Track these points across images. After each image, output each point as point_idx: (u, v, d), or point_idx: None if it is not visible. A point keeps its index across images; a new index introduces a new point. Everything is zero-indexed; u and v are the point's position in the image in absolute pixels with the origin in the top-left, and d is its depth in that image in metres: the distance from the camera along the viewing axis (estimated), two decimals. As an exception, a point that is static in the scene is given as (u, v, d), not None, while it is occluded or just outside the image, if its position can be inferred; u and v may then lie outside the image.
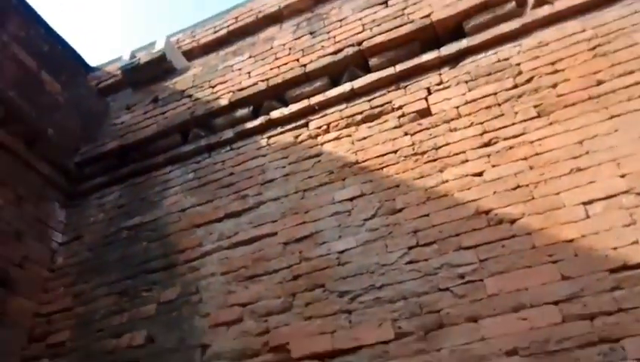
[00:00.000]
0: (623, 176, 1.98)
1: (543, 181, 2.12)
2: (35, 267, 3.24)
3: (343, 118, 2.96)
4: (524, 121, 2.38)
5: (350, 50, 3.07)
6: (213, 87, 3.70)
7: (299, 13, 3.86)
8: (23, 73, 3.50)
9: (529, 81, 2.53)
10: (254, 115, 3.29)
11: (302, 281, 2.33)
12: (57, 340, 2.80)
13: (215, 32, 4.36)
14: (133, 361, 2.44)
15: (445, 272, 2.04)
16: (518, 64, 2.63)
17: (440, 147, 2.50)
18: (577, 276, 1.80)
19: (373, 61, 3.01)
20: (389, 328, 1.98)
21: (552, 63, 2.53)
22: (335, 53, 3.14)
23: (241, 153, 3.20)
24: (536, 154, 2.23)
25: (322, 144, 2.91)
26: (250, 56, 3.76)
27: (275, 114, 3.19)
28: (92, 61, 4.36)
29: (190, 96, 3.80)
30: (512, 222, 2.06)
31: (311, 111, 3.10)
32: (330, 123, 2.98)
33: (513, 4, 2.79)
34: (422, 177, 2.43)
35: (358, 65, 3.07)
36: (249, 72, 3.60)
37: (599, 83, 2.33)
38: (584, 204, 1.98)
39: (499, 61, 2.70)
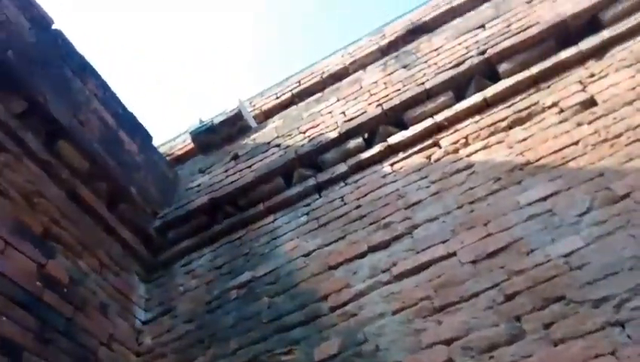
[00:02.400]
0: None
1: None
2: (122, 349, 2.61)
3: (482, 129, 2.61)
4: None
5: (475, 60, 2.83)
6: (304, 133, 3.40)
7: (369, 63, 3.72)
8: (105, 129, 3.20)
9: None
10: (368, 145, 2.93)
11: (524, 299, 1.77)
12: None
13: (277, 98, 4.23)
14: None
15: None
16: (685, 41, 2.36)
17: (637, 127, 2.11)
18: None
19: (502, 67, 2.75)
20: None
21: None
22: (457, 65, 2.89)
23: (361, 185, 2.78)
24: None
25: (468, 156, 2.52)
26: (338, 100, 3.52)
27: (395, 139, 2.84)
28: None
29: (279, 145, 3.48)
30: None
31: (437, 129, 2.76)
32: (467, 135, 2.63)
33: (651, -11, 2.62)
34: (632, 159, 2.00)
35: (483, 75, 2.80)
36: (343, 112, 3.33)
37: None
38: None
39: (656, 43, 2.44)
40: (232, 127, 3.98)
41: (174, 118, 12.34)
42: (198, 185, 3.62)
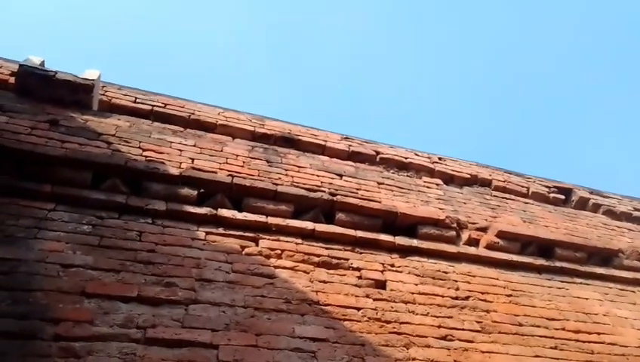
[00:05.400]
0: (557, 411, 2.27)
1: (500, 392, 2.26)
2: None
3: (298, 252, 2.78)
4: (472, 330, 2.62)
5: (324, 196, 3.11)
6: (143, 150, 3.15)
7: (238, 136, 3.82)
8: None
9: (467, 298, 2.89)
10: (198, 202, 2.83)
11: (252, 422, 1.75)
12: None
13: (135, 102, 3.96)
14: None
15: None
16: (456, 281, 3.02)
17: (403, 323, 2.50)
18: None
19: (340, 215, 3.07)
20: None
21: (481, 293, 2.99)
22: (309, 190, 3.13)
23: (167, 233, 2.60)
24: (489, 364, 2.42)
25: (275, 268, 2.61)
26: (195, 145, 3.43)
27: (225, 213, 2.81)
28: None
29: (109, 143, 3.13)
30: (482, 423, 2.06)
31: (264, 228, 2.84)
32: (284, 250, 2.75)
33: (454, 233, 3.36)
34: (388, 346, 2.32)
35: (323, 211, 3.08)
36: (193, 159, 3.23)
37: (520, 324, 2.81)
38: None
39: (440, 271, 3.06)
40: (71, 93, 3.46)
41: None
42: (-12, 120, 2.93)
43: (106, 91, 3.78)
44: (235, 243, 2.69)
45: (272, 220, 2.87)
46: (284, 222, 2.90)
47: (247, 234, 2.77)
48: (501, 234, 3.42)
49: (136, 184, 2.78)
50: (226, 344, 2.03)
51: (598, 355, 2.79)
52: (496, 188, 4.26)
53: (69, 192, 2.57)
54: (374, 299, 2.61)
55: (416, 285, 2.84)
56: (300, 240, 2.86)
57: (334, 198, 3.11)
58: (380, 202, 3.30)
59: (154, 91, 4.07)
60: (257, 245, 2.73)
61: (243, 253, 2.65)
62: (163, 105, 3.85)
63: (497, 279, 3.17)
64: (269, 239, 2.79)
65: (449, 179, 4.17)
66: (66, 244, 2.29)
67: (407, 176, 4.01)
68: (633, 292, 3.57)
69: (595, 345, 2.87)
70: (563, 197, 4.64)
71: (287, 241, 2.82)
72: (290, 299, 2.41)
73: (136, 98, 3.83)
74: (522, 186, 4.47)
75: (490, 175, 4.42)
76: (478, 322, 2.71)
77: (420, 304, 2.70)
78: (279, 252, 2.72)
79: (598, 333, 2.97)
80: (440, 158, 4.43)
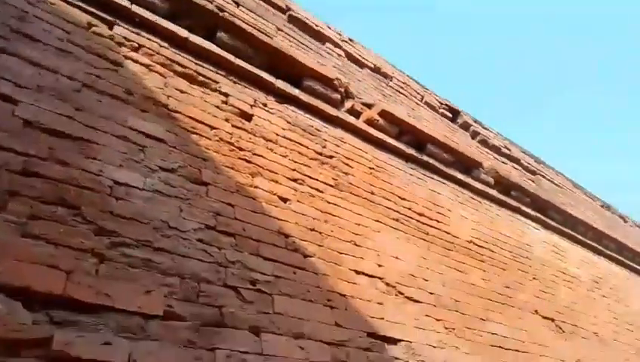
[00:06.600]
0: (379, 266, 2.34)
1: (332, 237, 2.24)
2: None
3: (161, 55, 2.37)
4: (325, 183, 2.55)
5: (211, 7, 2.66)
6: None
7: None
8: None
9: (330, 157, 2.81)
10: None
11: (41, 185, 1.44)
12: None
13: None
14: None
15: (237, 270, 1.72)
16: (325, 140, 2.90)
17: (256, 155, 2.32)
18: (346, 327, 1.87)
19: (222, 36, 2.68)
20: (159, 302, 1.42)
21: (347, 158, 2.93)
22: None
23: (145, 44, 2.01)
24: (329, 213, 2.38)
25: (125, 58, 2.19)
26: None
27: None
28: None
29: None
30: (305, 256, 2.02)
31: (124, 15, 2.35)
32: (143, 46, 2.32)
33: (339, 97, 3.19)
34: (234, 169, 2.13)
35: (204, 27, 2.66)
36: None
37: (372, 193, 2.83)
38: (356, 272, 2.18)
39: (312, 127, 2.90)
40: None
41: None
42: None
43: None
44: (82, 17, 2.18)
45: (137, 9, 2.38)
46: (154, 17, 2.43)
47: (101, 14, 2.26)
48: (383, 115, 3.35)
49: None
50: (30, 103, 1.64)
51: (431, 236, 2.96)
52: (391, 84, 4.16)
53: None
54: (233, 126, 2.37)
55: (284, 130, 2.65)
56: (166, 44, 2.44)
57: (221, 14, 2.69)
58: (271, 38, 2.95)
59: None
60: (111, 29, 2.26)
61: (89, 30, 2.17)
62: None
63: (366, 153, 3.13)
64: (128, 29, 2.32)
65: (353, 61, 3.94)
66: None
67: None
68: (479, 202, 3.85)
69: (431, 228, 3.03)
70: (451, 115, 4.74)
71: (150, 40, 2.38)
72: (133, 91, 2.05)
73: None
74: (418, 93, 4.43)
75: (393, 73, 4.29)
76: (334, 179, 2.65)
77: (281, 146, 2.53)
78: (136, 45, 2.29)
79: (438, 221, 3.14)
80: (351, 40, 4.14)
